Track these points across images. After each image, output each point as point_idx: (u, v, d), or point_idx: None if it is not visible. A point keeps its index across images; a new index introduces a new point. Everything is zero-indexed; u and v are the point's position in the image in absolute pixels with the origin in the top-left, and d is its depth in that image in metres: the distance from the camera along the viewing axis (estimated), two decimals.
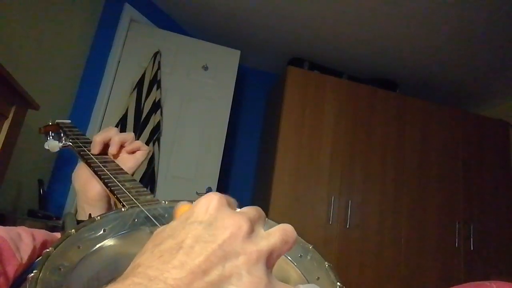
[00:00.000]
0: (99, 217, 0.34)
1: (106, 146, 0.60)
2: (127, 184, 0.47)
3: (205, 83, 2.69)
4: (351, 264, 2.44)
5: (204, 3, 2.63)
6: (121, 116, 2.38)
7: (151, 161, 2.36)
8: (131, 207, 0.39)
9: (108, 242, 0.33)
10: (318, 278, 0.32)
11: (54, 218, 1.86)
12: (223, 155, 2.62)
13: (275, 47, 3.07)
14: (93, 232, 0.33)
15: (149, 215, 0.38)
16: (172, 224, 0.25)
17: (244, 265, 0.22)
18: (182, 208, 0.28)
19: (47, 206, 2.02)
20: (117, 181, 0.48)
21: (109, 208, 0.59)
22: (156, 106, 2.45)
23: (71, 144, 0.62)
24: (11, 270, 0.37)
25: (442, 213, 2.67)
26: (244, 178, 3.11)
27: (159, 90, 2.50)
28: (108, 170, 0.52)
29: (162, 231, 0.25)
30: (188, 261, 0.21)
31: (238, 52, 2.80)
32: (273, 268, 0.24)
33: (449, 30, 2.50)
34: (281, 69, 3.04)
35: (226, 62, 2.77)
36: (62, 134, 0.65)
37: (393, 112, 2.81)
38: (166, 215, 0.38)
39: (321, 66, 3.04)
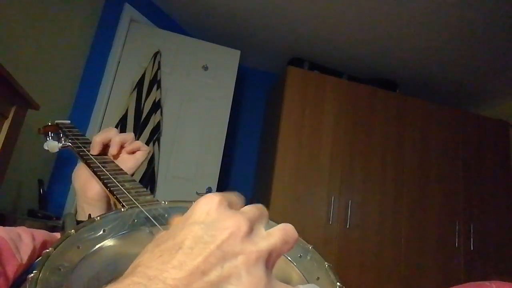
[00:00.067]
0: (98, 218, 0.34)
1: (105, 146, 0.60)
2: (127, 185, 0.47)
3: (205, 83, 2.69)
4: (351, 264, 2.44)
5: (204, 3, 2.63)
6: (121, 116, 2.38)
7: (151, 161, 2.36)
8: (131, 207, 0.39)
9: (108, 242, 0.33)
10: (318, 278, 0.32)
11: (54, 218, 1.86)
12: (223, 155, 2.62)
13: (275, 47, 3.07)
14: (93, 233, 0.33)
15: (148, 216, 0.38)
16: (173, 226, 0.25)
17: (243, 265, 0.22)
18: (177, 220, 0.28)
19: (47, 206, 2.02)
20: (117, 181, 0.48)
21: (109, 208, 0.59)
22: (156, 106, 2.45)
23: (70, 144, 0.62)
24: (11, 270, 0.37)
25: (442, 213, 2.67)
26: (244, 178, 3.11)
27: (159, 90, 2.50)
28: (107, 171, 0.52)
29: (164, 233, 0.25)
30: (187, 262, 0.21)
31: (238, 52, 2.80)
32: (273, 268, 0.24)
33: (449, 30, 2.50)
34: (281, 69, 3.04)
35: (226, 62, 2.77)
36: (61, 135, 0.65)
37: (393, 112, 2.81)
38: (166, 216, 0.38)
39: (321, 66, 3.04)
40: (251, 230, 0.24)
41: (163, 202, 0.41)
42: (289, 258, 0.34)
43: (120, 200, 0.43)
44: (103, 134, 0.59)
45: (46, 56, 1.92)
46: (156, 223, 0.37)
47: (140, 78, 2.47)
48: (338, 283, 0.30)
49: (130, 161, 0.60)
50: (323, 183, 2.53)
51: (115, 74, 2.50)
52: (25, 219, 1.74)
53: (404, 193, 2.65)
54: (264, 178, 2.71)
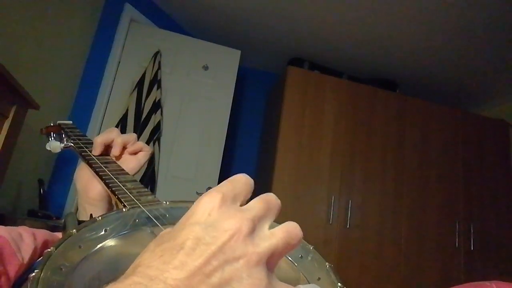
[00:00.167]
0: (100, 218, 0.34)
1: (107, 147, 0.60)
2: (128, 185, 0.47)
3: (205, 83, 2.69)
4: (351, 264, 2.44)
5: (204, 3, 2.63)
6: (121, 116, 2.38)
7: (151, 161, 2.35)
8: (132, 207, 0.39)
9: (109, 242, 0.33)
10: (319, 278, 0.32)
11: (54, 218, 1.86)
12: (223, 155, 2.62)
13: (275, 47, 3.07)
14: (94, 232, 0.33)
15: (150, 216, 0.38)
16: (174, 226, 0.25)
17: (244, 267, 0.22)
18: None
19: (47, 206, 2.02)
20: (118, 181, 0.48)
21: (110, 208, 0.59)
22: (156, 106, 2.45)
23: (72, 145, 0.62)
24: (12, 270, 0.37)
25: (442, 213, 2.67)
26: None
27: (159, 90, 2.50)
28: (109, 171, 0.52)
29: (165, 232, 0.25)
30: (189, 262, 0.21)
31: (238, 52, 2.80)
32: (274, 268, 0.24)
33: (449, 30, 2.50)
34: (281, 69, 3.04)
35: (226, 62, 2.77)
36: (63, 135, 0.65)
37: (393, 112, 2.81)
38: (167, 216, 0.38)
39: (321, 66, 3.04)
40: (253, 230, 0.23)
41: (164, 202, 0.41)
42: (290, 258, 0.34)
43: (122, 200, 0.43)
44: (105, 135, 0.59)
45: (46, 56, 1.92)
46: (158, 223, 0.37)
47: (140, 78, 2.47)
48: (339, 284, 0.30)
49: (132, 162, 0.60)
50: (323, 183, 2.53)
51: (115, 74, 2.50)
52: (25, 219, 1.74)
53: (404, 193, 2.65)
54: (264, 178, 2.71)
